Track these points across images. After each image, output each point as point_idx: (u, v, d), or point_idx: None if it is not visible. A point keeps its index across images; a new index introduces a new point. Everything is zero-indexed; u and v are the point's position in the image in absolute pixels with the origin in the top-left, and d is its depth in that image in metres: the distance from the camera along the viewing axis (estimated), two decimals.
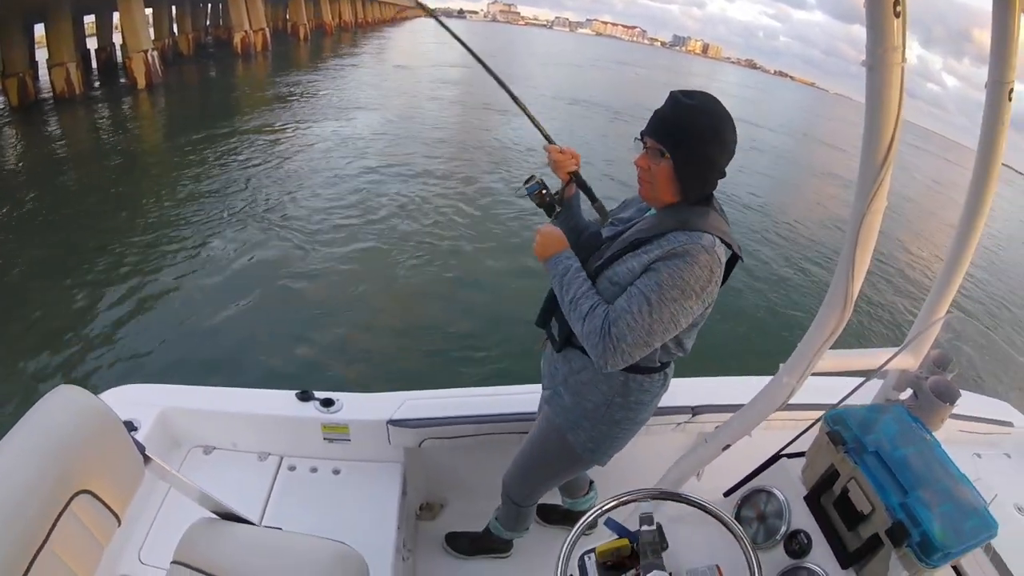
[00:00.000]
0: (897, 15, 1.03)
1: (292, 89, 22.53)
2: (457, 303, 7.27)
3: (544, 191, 1.83)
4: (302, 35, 42.91)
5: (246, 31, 33.02)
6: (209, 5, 41.16)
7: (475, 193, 11.55)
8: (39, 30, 23.23)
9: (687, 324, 1.52)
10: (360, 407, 2.40)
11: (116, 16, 27.29)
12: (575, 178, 1.85)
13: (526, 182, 1.84)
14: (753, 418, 1.74)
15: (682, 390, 2.46)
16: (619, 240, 1.64)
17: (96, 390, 2.26)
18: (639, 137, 1.58)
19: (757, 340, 7.56)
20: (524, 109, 1.89)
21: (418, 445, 2.37)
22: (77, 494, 1.21)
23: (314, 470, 2.40)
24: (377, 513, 2.25)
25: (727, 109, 1.52)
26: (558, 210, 1.87)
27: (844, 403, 1.69)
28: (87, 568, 1.26)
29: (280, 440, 2.42)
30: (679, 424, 2.52)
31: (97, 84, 23.74)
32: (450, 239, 9.12)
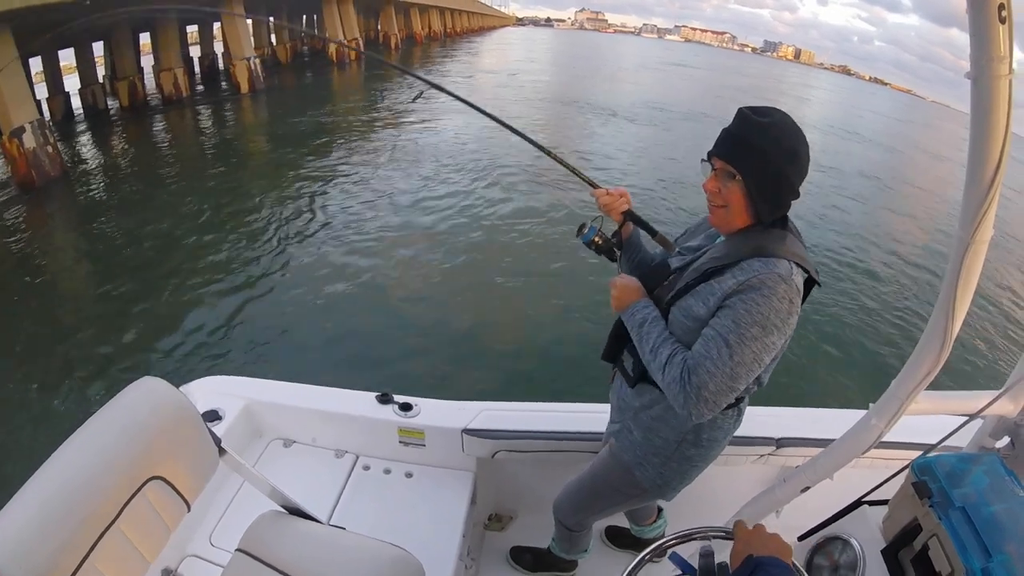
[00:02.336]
0: (1003, 21, 0.95)
1: (383, 96, 22.93)
2: (539, 320, 7.16)
3: (599, 237, 1.77)
4: (393, 44, 44.04)
5: (341, 41, 34.25)
6: (304, 16, 43.41)
7: (565, 215, 11.07)
8: (143, 38, 25.76)
9: (769, 359, 1.39)
10: (437, 414, 2.41)
11: (216, 26, 29.77)
12: (629, 216, 1.78)
13: (578, 232, 1.79)
14: (838, 460, 1.65)
15: (764, 420, 2.36)
16: (690, 270, 1.52)
17: (188, 378, 2.42)
18: (706, 158, 1.48)
19: (844, 370, 7.05)
20: (562, 161, 1.88)
21: (491, 456, 2.35)
22: (150, 479, 1.25)
23: (387, 471, 2.43)
24: (444, 519, 2.26)
25: (798, 124, 1.41)
26: (618, 253, 1.81)
27: (934, 450, 1.57)
28: (153, 549, 1.30)
29: (357, 439, 2.47)
30: (761, 456, 2.38)
31: (201, 88, 25.59)
32: (539, 259, 8.93)
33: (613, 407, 1.87)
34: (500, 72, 35.09)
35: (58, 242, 11.13)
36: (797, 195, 1.44)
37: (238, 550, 1.59)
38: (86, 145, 16.69)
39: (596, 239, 1.77)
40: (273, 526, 1.64)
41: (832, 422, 2.31)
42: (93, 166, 15.05)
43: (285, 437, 2.53)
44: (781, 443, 2.35)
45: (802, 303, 1.43)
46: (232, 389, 2.46)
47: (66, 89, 21.44)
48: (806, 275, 1.44)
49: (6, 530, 1.05)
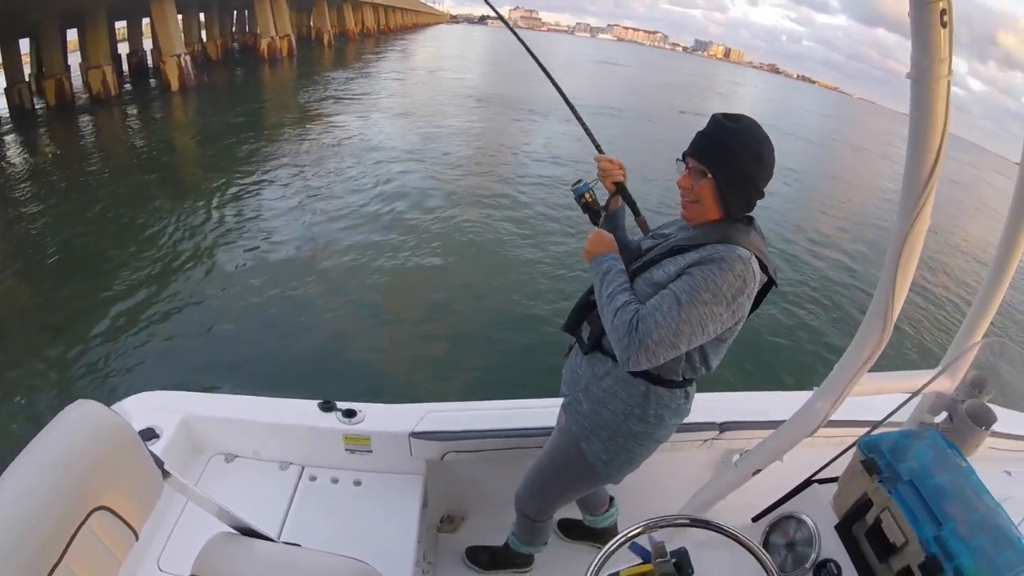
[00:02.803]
0: (944, 25, 1.01)
1: (318, 92, 23.13)
2: (483, 315, 7.10)
3: (590, 195, 1.86)
4: (326, 41, 43.55)
5: (272, 37, 33.61)
6: (235, 12, 42.44)
7: (509, 201, 11.31)
8: (71, 35, 24.40)
9: (714, 332, 1.51)
10: (382, 418, 2.38)
11: (145, 22, 28.82)
12: (620, 189, 1.87)
13: (574, 184, 1.87)
14: (785, 443, 1.73)
15: (708, 405, 2.37)
16: (659, 247, 1.67)
17: (116, 396, 2.32)
18: (681, 158, 1.63)
19: (787, 355, 7.26)
20: (578, 116, 1.98)
21: (440, 458, 2.34)
22: (94, 510, 1.20)
23: (335, 481, 2.38)
24: (398, 525, 2.23)
25: (766, 131, 1.57)
26: (603, 215, 1.88)
27: (879, 427, 1.67)
28: None
29: (302, 450, 2.41)
30: (705, 441, 2.43)
31: (129, 87, 24.49)
32: (478, 247, 9.05)
33: (565, 380, 1.91)
34: (434, 69, 35.17)
35: None
36: (762, 195, 1.58)
37: (192, 575, 1.54)
38: (12, 146, 15.91)
39: (587, 196, 1.85)
40: (224, 548, 1.59)
41: (775, 404, 2.44)
42: (19, 170, 14.00)
43: (226, 452, 2.42)
44: (724, 427, 2.39)
45: (757, 304, 1.60)
46: (167, 404, 2.35)
47: None
48: (765, 276, 1.56)
49: None
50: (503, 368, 6.02)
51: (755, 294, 1.54)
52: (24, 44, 22.64)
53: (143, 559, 1.96)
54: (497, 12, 2.47)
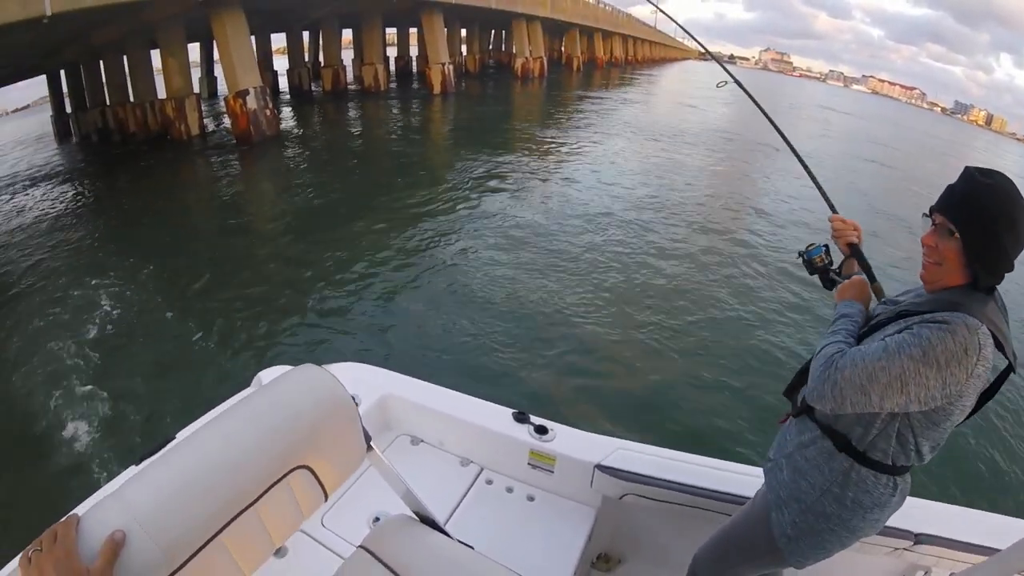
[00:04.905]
0: None
1: (563, 111, 23.49)
2: (695, 362, 6.44)
3: (823, 258, 1.81)
4: (575, 66, 44.77)
5: (526, 57, 35.30)
6: (493, 32, 45.52)
7: (737, 249, 9.91)
8: (345, 34, 30.15)
9: (916, 399, 1.33)
10: (571, 443, 2.34)
11: (411, 32, 33.49)
12: (854, 251, 1.80)
13: (807, 247, 1.82)
14: (1007, 570, 1.46)
15: (905, 510, 1.98)
16: (885, 312, 1.55)
17: (322, 361, 2.31)
18: (927, 213, 1.47)
19: (1006, 470, 5.82)
20: (810, 173, 1.97)
21: (619, 497, 2.26)
22: (297, 468, 1.24)
23: (510, 490, 2.39)
24: (558, 551, 2.18)
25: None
26: (838, 283, 1.76)
27: None
28: (282, 534, 1.27)
29: (486, 452, 2.44)
30: (895, 550, 2.13)
31: (395, 85, 28.48)
32: (705, 295, 8.13)
33: (773, 446, 1.83)
34: (677, 102, 34.73)
35: (259, 192, 13.15)
36: (1011, 267, 1.40)
37: (361, 547, 1.55)
38: (292, 117, 18.75)
39: (820, 259, 1.81)
40: (401, 530, 1.61)
41: (993, 528, 2.14)
42: (298, 134, 17.49)
43: (413, 435, 2.53)
44: (921, 539, 2.11)
45: (991, 394, 1.40)
46: (370, 378, 2.48)
47: (275, 68, 24.91)
48: (1001, 357, 1.38)
49: (141, 494, 1.04)
50: (706, 421, 5.47)
51: (981, 375, 1.31)
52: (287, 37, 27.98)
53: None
54: (734, 78, 2.59)
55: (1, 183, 15.83)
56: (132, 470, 2.20)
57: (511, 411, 2.43)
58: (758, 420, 5.18)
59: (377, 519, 2.14)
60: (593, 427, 2.58)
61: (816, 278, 1.87)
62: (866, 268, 1.79)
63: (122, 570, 0.95)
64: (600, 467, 2.22)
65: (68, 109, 26.21)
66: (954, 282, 1.44)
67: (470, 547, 1.64)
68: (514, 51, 37.06)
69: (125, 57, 20.09)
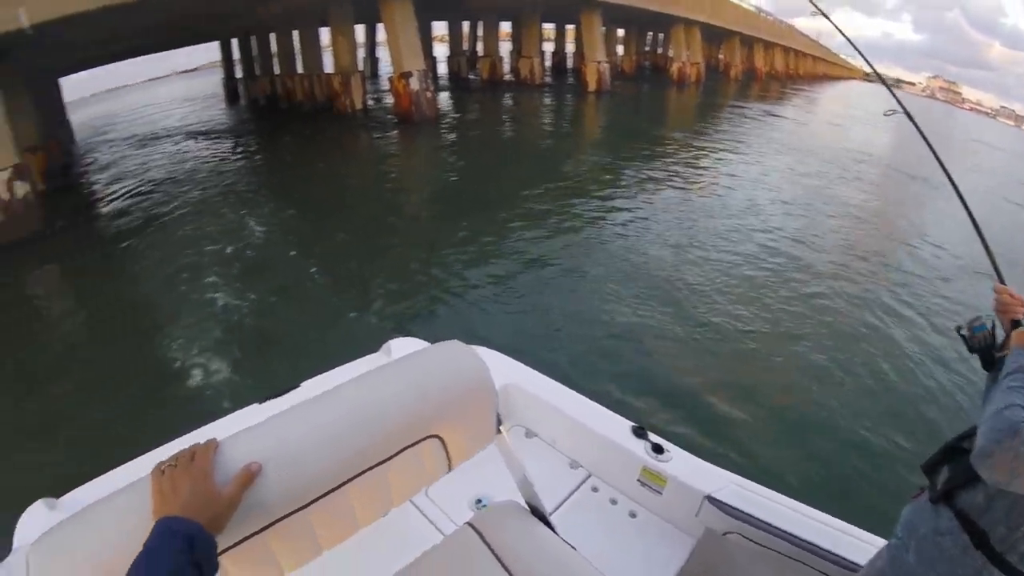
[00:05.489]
0: None
1: (716, 121, 22.34)
2: (829, 408, 5.80)
3: (987, 336, 1.59)
4: (732, 75, 43.32)
5: (683, 62, 34.46)
6: (650, 34, 44.93)
7: (886, 298, 9.18)
8: (503, 26, 31.55)
9: None
10: (686, 468, 2.27)
11: (568, 29, 34.56)
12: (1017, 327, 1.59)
13: (971, 322, 1.62)
14: None
15: None
16: None
17: (444, 334, 2.25)
18: None
19: None
20: (979, 232, 1.84)
21: (723, 533, 2.18)
22: (430, 436, 1.28)
23: (614, 502, 2.36)
24: (652, 574, 2.13)
25: None
26: (998, 363, 1.55)
27: None
28: (402, 496, 1.31)
29: (597, 459, 2.42)
30: None
31: (549, 79, 28.99)
32: (847, 340, 7.10)
33: (901, 522, 1.68)
34: (838, 125, 32.65)
35: (413, 168, 13.92)
36: None
37: (468, 524, 1.57)
38: (449, 101, 19.54)
39: (984, 336, 1.61)
40: (511, 517, 1.60)
41: None
42: (454, 118, 18.76)
43: (528, 428, 2.54)
44: None
45: None
46: (496, 364, 2.34)
47: (434, 55, 26.33)
48: None
49: (282, 432, 1.09)
50: (830, 472, 4.98)
51: None
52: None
53: None
54: (904, 109, 2.37)
55: (178, 132, 18.09)
56: (255, 407, 2.39)
57: (630, 424, 2.41)
58: (888, 484, 4.68)
59: (479, 500, 2.21)
60: (707, 451, 2.47)
61: (975, 355, 1.65)
62: None
63: (250, 499, 1.00)
64: (711, 498, 2.17)
65: (238, 75, 28.93)
66: None
67: (574, 548, 1.61)
68: (671, 55, 36.31)
69: (296, 32, 21.95)
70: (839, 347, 6.55)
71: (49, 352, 6.38)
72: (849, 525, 2.16)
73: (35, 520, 1.97)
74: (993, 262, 1.78)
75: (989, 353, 1.62)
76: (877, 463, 5.03)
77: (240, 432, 1.09)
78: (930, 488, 1.60)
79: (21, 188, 10.67)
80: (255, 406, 2.40)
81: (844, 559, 1.99)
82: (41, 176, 12.91)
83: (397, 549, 1.90)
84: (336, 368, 2.59)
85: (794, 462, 4.95)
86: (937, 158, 2.06)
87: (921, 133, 2.20)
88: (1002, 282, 1.69)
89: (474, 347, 2.46)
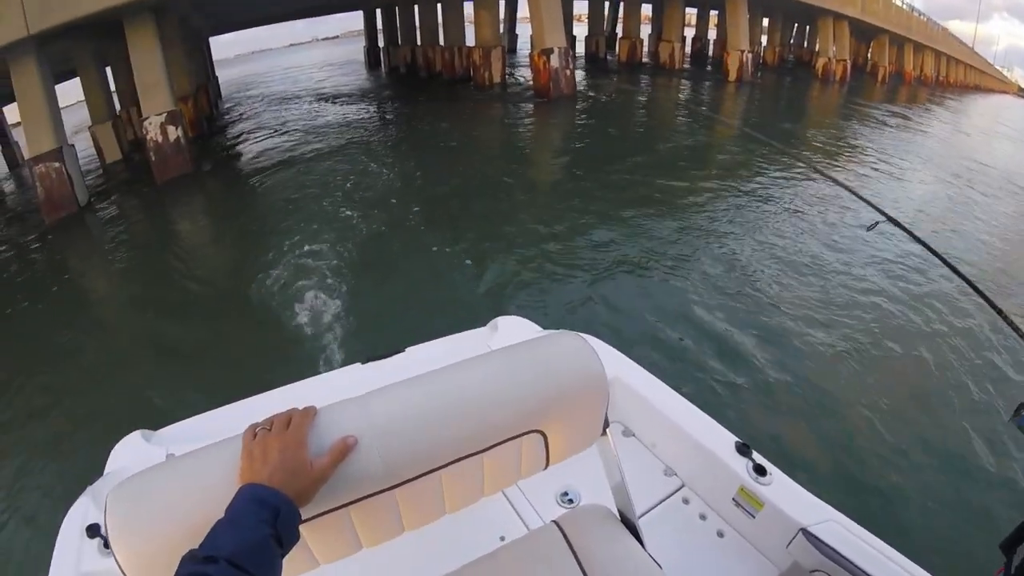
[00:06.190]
0: None
1: (860, 126, 20.22)
2: (938, 463, 4.97)
3: None
4: (880, 76, 40.86)
5: (829, 58, 32.86)
6: (795, 26, 43.22)
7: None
8: (644, 8, 31.75)
9: None
10: (786, 494, 2.08)
11: (711, 15, 34.67)
12: None
13: (1016, 410, 1.60)
14: None
15: None
16: None
17: (560, 322, 2.12)
18: None
19: None
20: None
21: (810, 570, 1.99)
22: (533, 431, 1.23)
23: (703, 517, 2.24)
24: None
25: None
26: None
27: None
28: (494, 486, 1.29)
29: (693, 470, 2.31)
30: None
31: (688, 65, 28.80)
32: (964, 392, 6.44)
33: None
34: (989, 144, 29.61)
35: (547, 144, 14.24)
36: None
37: (554, 523, 1.53)
38: (586, 80, 20.57)
39: None
40: (599, 523, 1.54)
41: None
42: (591, 97, 19.49)
43: (627, 426, 2.47)
44: None
45: None
46: (604, 357, 2.22)
47: (574, 33, 26.78)
48: None
49: (383, 407, 1.08)
50: (932, 527, 4.36)
51: None
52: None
53: None
54: None
55: (318, 93, 19.29)
56: (357, 367, 2.39)
57: (735, 439, 2.25)
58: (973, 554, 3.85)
59: (565, 494, 2.18)
60: (806, 477, 2.17)
61: None
62: None
63: (341, 473, 0.99)
64: (806, 532, 1.99)
65: (380, 44, 30.39)
66: None
67: (659, 566, 1.55)
68: (816, 49, 34.93)
69: (440, 5, 22.64)
70: (961, 399, 5.70)
71: (191, 280, 7.00)
72: None
73: (129, 450, 2.04)
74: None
75: None
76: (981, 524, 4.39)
77: (339, 403, 1.08)
78: (1005, 566, 1.58)
79: (173, 132, 11.80)
80: (357, 365, 2.41)
81: None
82: (191, 123, 14.27)
83: (478, 537, 1.94)
84: (441, 338, 2.60)
85: (891, 505, 4.45)
86: None
87: None
88: None
89: (585, 336, 2.39)
